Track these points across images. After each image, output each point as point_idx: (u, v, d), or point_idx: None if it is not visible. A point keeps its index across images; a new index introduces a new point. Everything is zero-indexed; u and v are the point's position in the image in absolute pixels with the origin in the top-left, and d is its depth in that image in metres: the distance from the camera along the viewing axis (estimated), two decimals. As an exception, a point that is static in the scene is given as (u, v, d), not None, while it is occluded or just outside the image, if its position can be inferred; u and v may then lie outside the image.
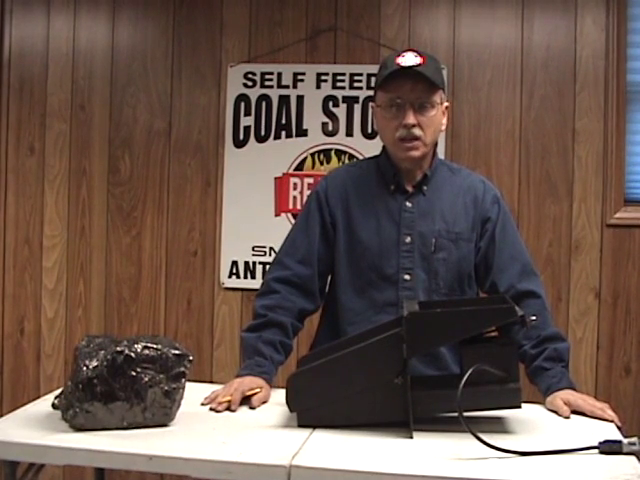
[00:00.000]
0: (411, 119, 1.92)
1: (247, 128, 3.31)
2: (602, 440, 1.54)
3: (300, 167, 3.28)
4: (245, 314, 3.26)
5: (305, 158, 3.28)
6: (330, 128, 3.27)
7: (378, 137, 2.08)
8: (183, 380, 1.65)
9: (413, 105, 1.92)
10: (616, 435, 1.64)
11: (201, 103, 3.34)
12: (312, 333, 2.16)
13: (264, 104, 3.30)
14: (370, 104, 2.11)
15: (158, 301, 3.38)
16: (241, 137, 3.31)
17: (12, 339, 3.48)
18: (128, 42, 3.39)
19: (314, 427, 1.65)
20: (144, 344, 1.62)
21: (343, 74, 3.25)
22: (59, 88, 3.43)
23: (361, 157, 3.08)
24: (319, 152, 3.27)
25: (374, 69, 2.10)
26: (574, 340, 3.07)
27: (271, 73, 3.29)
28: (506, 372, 1.63)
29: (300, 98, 3.28)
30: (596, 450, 1.52)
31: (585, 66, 3.11)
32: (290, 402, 1.67)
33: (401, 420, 1.61)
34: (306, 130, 3.28)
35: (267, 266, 2.83)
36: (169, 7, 3.36)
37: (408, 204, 2.01)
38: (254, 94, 3.30)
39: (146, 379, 1.61)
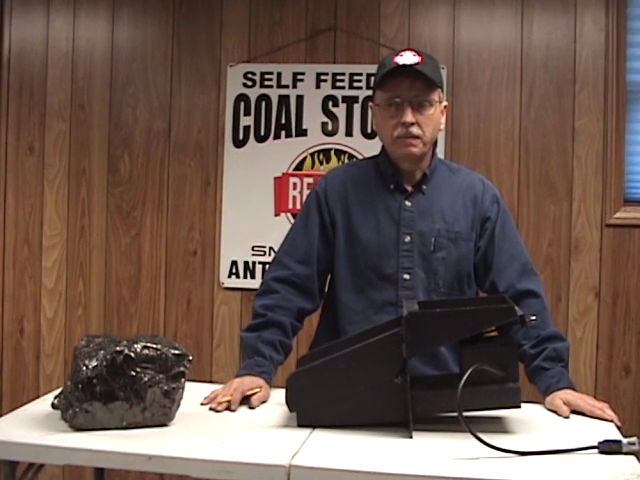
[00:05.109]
0: (409, 117, 1.92)
1: (247, 128, 3.31)
2: (602, 440, 1.53)
3: (300, 167, 3.28)
4: (245, 314, 3.26)
5: (305, 158, 3.28)
6: (330, 128, 3.27)
7: (377, 137, 2.08)
8: (183, 380, 1.65)
9: (412, 103, 1.92)
10: (616, 435, 1.64)
11: (201, 103, 3.34)
12: (312, 333, 2.16)
13: (264, 104, 3.30)
14: (369, 104, 2.11)
15: (158, 301, 3.38)
16: (241, 137, 3.31)
17: (12, 339, 3.48)
18: (128, 42, 3.39)
19: (314, 427, 1.65)
20: (144, 344, 1.62)
21: (343, 74, 3.25)
22: (59, 88, 3.43)
23: (361, 157, 3.08)
24: (319, 152, 3.27)
25: (374, 69, 2.10)
26: (574, 340, 3.07)
27: (271, 73, 3.29)
28: (506, 372, 1.63)
29: (300, 98, 3.28)
30: (596, 450, 1.52)
31: (585, 66, 3.11)
32: (290, 402, 1.67)
33: (401, 420, 1.61)
34: (306, 130, 3.28)
35: (267, 266, 2.83)
36: (169, 7, 3.36)
37: (408, 203, 2.01)
38: (254, 94, 3.30)
39: (146, 379, 1.60)
